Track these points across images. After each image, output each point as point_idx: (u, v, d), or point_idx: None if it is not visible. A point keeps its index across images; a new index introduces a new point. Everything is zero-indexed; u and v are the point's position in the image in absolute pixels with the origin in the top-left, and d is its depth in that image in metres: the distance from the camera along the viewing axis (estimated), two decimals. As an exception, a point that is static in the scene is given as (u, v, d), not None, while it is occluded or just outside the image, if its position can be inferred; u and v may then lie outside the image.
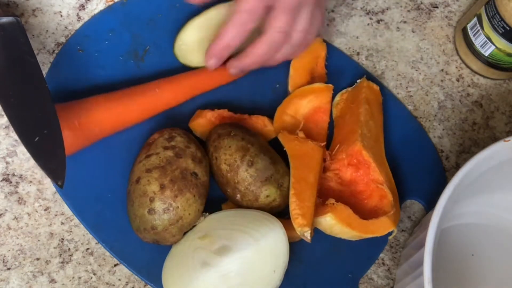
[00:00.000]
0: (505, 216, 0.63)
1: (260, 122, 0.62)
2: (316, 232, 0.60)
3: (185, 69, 0.64)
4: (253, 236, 0.56)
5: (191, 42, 0.64)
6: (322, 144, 0.61)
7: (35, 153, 0.52)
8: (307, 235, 0.55)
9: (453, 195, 0.51)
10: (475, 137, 0.67)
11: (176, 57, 0.64)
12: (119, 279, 0.60)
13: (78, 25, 0.66)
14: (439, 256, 0.60)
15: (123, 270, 0.60)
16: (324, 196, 0.59)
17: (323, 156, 0.60)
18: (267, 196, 0.57)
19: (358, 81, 0.65)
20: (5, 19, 0.56)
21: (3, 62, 0.55)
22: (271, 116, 0.63)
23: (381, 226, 0.57)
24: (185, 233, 0.58)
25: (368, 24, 0.69)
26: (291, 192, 0.56)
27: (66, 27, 0.66)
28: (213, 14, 0.64)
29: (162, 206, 0.55)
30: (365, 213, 0.58)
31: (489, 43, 0.63)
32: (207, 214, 0.58)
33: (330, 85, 0.63)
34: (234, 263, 0.55)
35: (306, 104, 0.63)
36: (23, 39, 0.56)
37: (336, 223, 0.56)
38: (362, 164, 0.60)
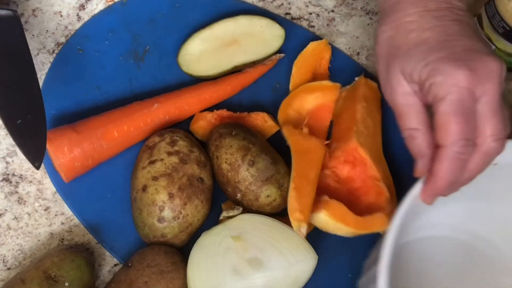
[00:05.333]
0: (471, 227, 0.62)
1: (260, 118, 0.62)
2: (316, 233, 0.60)
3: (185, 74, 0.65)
4: (288, 259, 0.55)
5: (196, 53, 0.64)
6: (326, 142, 0.60)
7: (16, 134, 0.54)
8: (303, 230, 0.54)
9: (413, 206, 0.51)
10: (475, 137, 0.67)
11: (179, 66, 0.64)
12: (119, 279, 0.60)
13: (78, 25, 0.66)
14: (402, 268, 0.60)
15: (123, 270, 0.60)
16: (321, 194, 0.59)
17: (325, 154, 0.60)
18: (268, 196, 0.57)
19: (356, 78, 0.65)
20: (2, 11, 0.57)
21: None
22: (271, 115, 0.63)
23: (377, 223, 0.57)
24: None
25: (368, 24, 0.69)
26: (291, 186, 0.56)
27: (66, 27, 0.66)
28: (219, 28, 0.65)
29: (172, 215, 0.56)
30: (362, 210, 0.58)
31: (489, 43, 0.63)
32: (241, 208, 0.58)
33: (338, 84, 0.63)
34: (261, 279, 0.54)
35: (312, 100, 0.63)
36: (18, 31, 0.57)
37: (330, 220, 0.56)
38: (358, 161, 0.60)
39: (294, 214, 0.55)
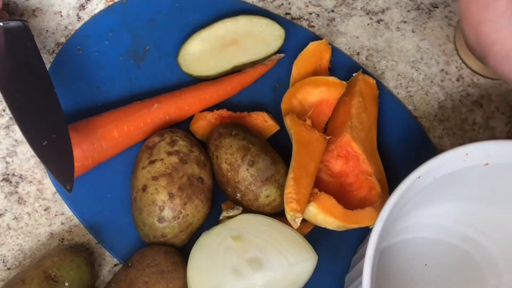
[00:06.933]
0: (459, 228, 0.62)
1: (260, 118, 0.62)
2: (316, 233, 0.60)
3: (185, 74, 0.65)
4: (288, 259, 0.55)
5: (196, 53, 0.64)
6: (328, 137, 0.60)
7: (44, 157, 0.52)
8: (298, 221, 0.54)
9: (401, 203, 0.51)
10: (475, 137, 0.67)
11: (179, 66, 0.64)
12: (119, 279, 0.60)
13: (78, 25, 0.66)
14: (389, 267, 0.60)
15: (123, 270, 0.60)
16: (312, 187, 0.58)
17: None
18: (267, 196, 0.57)
19: (354, 74, 0.65)
20: (13, 23, 0.57)
21: (11, 66, 0.55)
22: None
23: (366, 217, 0.57)
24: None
25: (368, 24, 0.69)
26: (290, 175, 0.56)
27: (66, 27, 0.66)
28: (219, 28, 0.65)
29: (172, 214, 0.56)
30: (355, 205, 0.58)
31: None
32: (241, 208, 0.58)
33: (344, 82, 0.63)
34: (261, 280, 0.55)
35: (316, 94, 0.63)
36: (30, 43, 0.56)
37: (319, 212, 0.56)
38: (351, 155, 0.60)
39: (290, 204, 0.54)
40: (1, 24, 0.56)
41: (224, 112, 0.63)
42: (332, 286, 0.60)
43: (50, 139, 0.53)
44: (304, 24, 0.69)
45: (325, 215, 0.56)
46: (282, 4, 0.69)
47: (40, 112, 0.54)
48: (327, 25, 0.69)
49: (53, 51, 0.66)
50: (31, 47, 0.56)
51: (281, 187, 0.58)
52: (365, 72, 0.66)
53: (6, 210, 0.61)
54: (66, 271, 0.55)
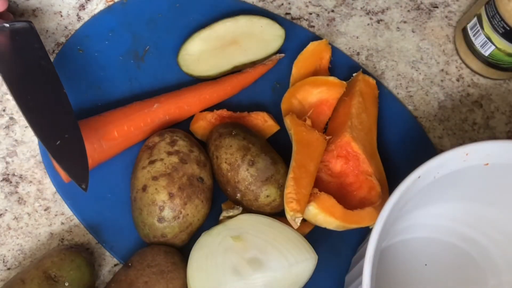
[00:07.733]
0: (459, 228, 0.62)
1: (260, 118, 0.62)
2: (316, 233, 0.60)
3: (185, 74, 0.65)
4: (288, 259, 0.55)
5: (196, 53, 0.64)
6: (328, 137, 0.60)
7: (58, 156, 0.52)
8: (298, 221, 0.54)
9: (401, 203, 0.51)
10: (475, 137, 0.67)
11: (179, 66, 0.64)
12: (119, 279, 0.60)
13: (78, 25, 0.67)
14: (389, 267, 0.60)
15: (123, 270, 0.60)
16: (312, 187, 0.58)
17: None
18: (267, 196, 0.57)
19: (354, 74, 0.65)
20: (18, 24, 0.56)
21: (21, 68, 0.55)
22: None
23: (366, 217, 0.57)
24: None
25: (368, 24, 0.69)
26: (290, 175, 0.56)
27: (66, 27, 0.66)
28: (219, 28, 0.65)
29: (172, 214, 0.56)
30: (355, 205, 0.58)
31: (489, 43, 0.63)
32: (241, 208, 0.58)
33: (344, 82, 0.63)
34: (261, 279, 0.55)
35: (316, 93, 0.63)
36: (37, 44, 0.56)
37: (319, 212, 0.56)
38: (351, 155, 0.60)
39: (290, 204, 0.54)
40: (8, 25, 0.56)
41: (224, 112, 0.63)
42: (332, 286, 0.60)
43: (63, 138, 0.53)
44: (304, 24, 0.69)
45: (325, 215, 0.56)
46: (282, 4, 0.69)
47: (52, 112, 0.54)
48: (327, 25, 0.69)
49: (53, 51, 0.66)
50: (39, 48, 0.56)
51: (281, 187, 0.58)
52: (365, 72, 0.66)
53: (6, 210, 0.61)
54: (66, 271, 0.55)
